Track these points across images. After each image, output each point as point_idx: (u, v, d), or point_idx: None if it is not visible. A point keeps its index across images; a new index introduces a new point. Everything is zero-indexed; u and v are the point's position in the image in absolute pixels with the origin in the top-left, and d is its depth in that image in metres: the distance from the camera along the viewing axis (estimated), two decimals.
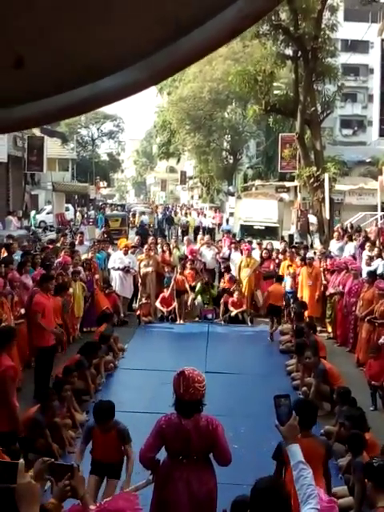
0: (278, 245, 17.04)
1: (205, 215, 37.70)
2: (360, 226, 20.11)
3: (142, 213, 35.96)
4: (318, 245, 23.13)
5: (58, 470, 2.94)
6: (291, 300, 13.41)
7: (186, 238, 20.96)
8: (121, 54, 0.68)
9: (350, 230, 18.86)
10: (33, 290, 9.89)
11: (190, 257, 15.74)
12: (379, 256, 13.60)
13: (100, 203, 56.89)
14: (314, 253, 15.61)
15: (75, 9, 0.64)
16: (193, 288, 14.36)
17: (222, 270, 15.54)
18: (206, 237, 18.01)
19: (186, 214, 40.09)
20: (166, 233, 32.57)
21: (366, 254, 14.02)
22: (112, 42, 0.69)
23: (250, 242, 16.53)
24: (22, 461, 2.43)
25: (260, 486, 2.74)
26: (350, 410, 6.79)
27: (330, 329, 13.15)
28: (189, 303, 14.17)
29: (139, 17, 0.67)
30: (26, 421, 6.68)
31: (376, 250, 14.11)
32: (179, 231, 33.04)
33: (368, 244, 14.75)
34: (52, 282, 9.84)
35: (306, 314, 12.46)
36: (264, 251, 15.63)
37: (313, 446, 4.96)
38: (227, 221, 32.07)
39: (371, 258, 13.29)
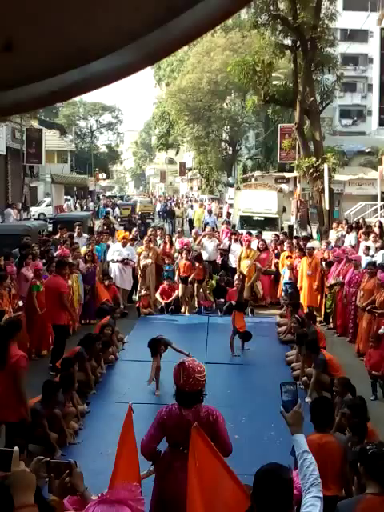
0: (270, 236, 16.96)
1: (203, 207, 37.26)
2: (369, 224, 19.86)
3: (114, 205, 35.01)
4: (314, 235, 23.12)
5: (56, 468, 2.94)
6: (290, 290, 13.43)
7: (193, 230, 20.52)
8: (113, 37, 0.68)
9: (362, 224, 18.42)
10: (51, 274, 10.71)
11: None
12: (382, 248, 13.57)
13: (99, 195, 56.84)
14: (327, 243, 15.52)
15: None
16: (185, 279, 14.23)
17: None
18: (208, 228, 17.92)
19: (191, 206, 38.24)
20: (166, 226, 32.07)
21: (364, 244, 13.97)
22: (105, 26, 0.68)
23: (250, 234, 16.38)
24: (16, 448, 2.40)
25: (263, 468, 2.75)
26: (351, 399, 6.81)
27: (323, 318, 13.17)
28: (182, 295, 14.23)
29: (138, 7, 0.66)
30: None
31: (380, 241, 14.06)
32: (178, 223, 32.52)
33: (372, 235, 14.66)
34: (66, 267, 10.80)
35: (306, 304, 12.45)
36: (260, 243, 15.59)
37: (330, 446, 4.93)
38: (209, 212, 29.70)
39: (368, 248, 13.24)
